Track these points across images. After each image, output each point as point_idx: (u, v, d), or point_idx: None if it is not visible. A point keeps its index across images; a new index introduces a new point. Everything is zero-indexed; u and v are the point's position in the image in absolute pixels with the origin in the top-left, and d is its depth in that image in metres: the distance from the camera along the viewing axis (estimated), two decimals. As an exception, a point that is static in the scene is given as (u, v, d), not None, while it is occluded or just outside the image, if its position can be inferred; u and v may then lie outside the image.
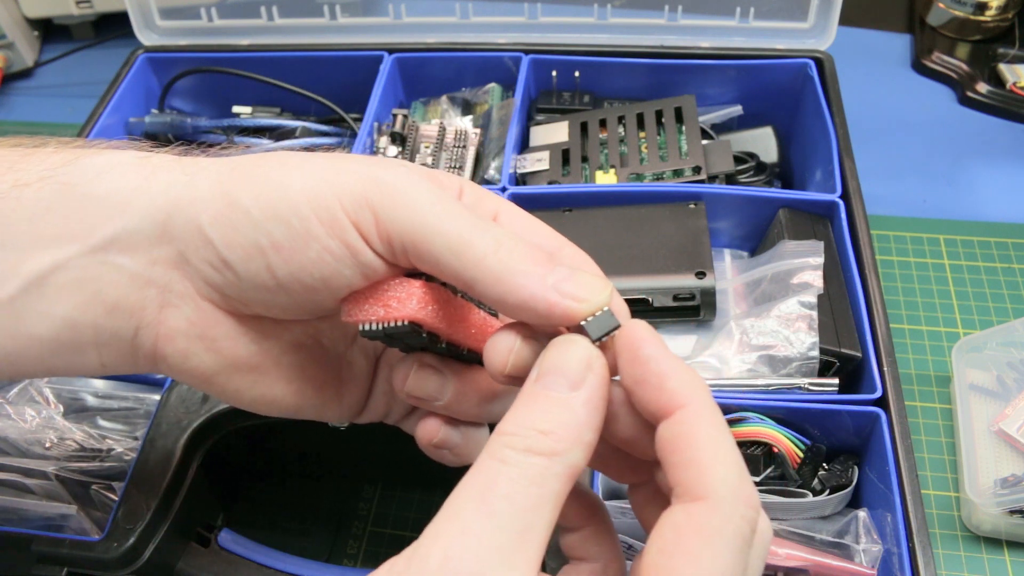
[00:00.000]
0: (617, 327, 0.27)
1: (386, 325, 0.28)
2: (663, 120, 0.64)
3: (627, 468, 0.30)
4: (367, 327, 0.29)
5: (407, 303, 0.28)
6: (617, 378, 0.27)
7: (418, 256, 0.28)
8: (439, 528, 0.24)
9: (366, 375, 0.35)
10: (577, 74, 0.69)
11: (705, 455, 0.25)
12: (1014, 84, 0.77)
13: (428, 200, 0.28)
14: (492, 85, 0.70)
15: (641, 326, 0.27)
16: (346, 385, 0.34)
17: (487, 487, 0.24)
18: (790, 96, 0.68)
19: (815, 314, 0.51)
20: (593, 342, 0.27)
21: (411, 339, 0.29)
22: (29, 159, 0.29)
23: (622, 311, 0.29)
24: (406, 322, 0.28)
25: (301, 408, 0.33)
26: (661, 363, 0.26)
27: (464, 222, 0.27)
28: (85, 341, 0.30)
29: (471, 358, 0.32)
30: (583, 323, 0.27)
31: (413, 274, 0.29)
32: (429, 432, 0.33)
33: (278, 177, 0.28)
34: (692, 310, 0.54)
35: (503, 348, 0.28)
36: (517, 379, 0.28)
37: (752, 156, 0.65)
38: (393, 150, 0.65)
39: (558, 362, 0.26)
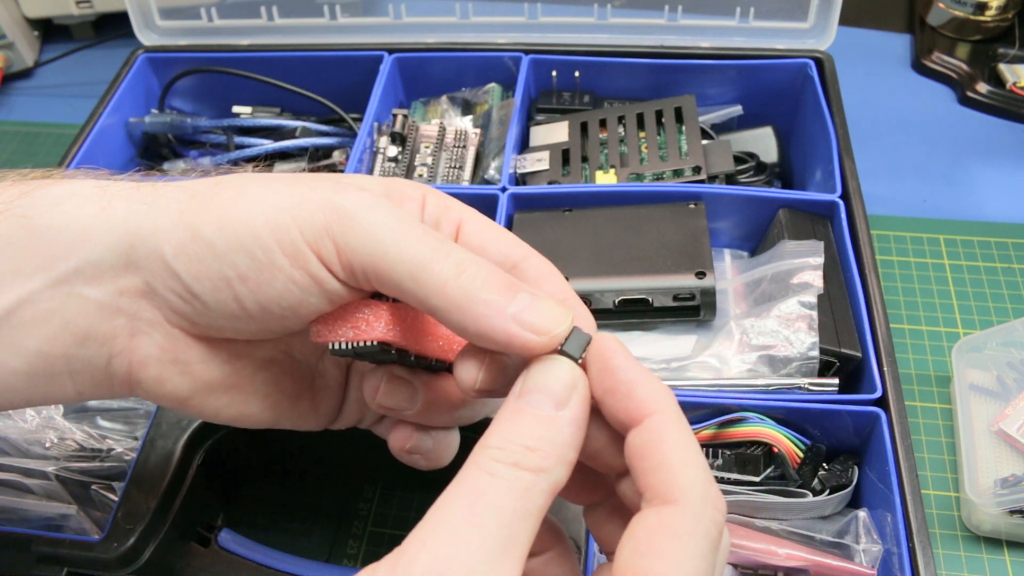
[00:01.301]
0: (589, 340, 0.27)
1: (355, 345, 0.29)
2: (663, 120, 0.64)
3: (585, 488, 0.30)
4: (337, 346, 0.29)
5: (375, 325, 0.29)
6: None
7: (380, 283, 0.28)
8: (425, 535, 0.24)
9: (339, 384, 0.35)
10: (577, 74, 0.69)
11: (675, 460, 0.25)
12: (1014, 84, 0.77)
13: (388, 226, 0.27)
14: (492, 85, 0.70)
15: (610, 338, 0.27)
16: (320, 395, 0.35)
17: (475, 498, 0.24)
18: (790, 96, 0.68)
19: (815, 314, 0.51)
20: (575, 361, 0.27)
21: (381, 356, 0.30)
22: None
23: (589, 324, 0.29)
24: (375, 342, 0.29)
25: (278, 420, 0.34)
26: (629, 372, 0.26)
27: (424, 247, 0.27)
28: (58, 371, 0.30)
29: (440, 367, 0.32)
30: (561, 346, 0.27)
31: (379, 294, 0.29)
32: (401, 440, 0.33)
33: (239, 207, 0.28)
34: (692, 310, 0.54)
35: (472, 366, 0.28)
36: (488, 393, 0.28)
37: (752, 156, 0.65)
38: (393, 150, 0.65)
39: (543, 381, 0.26)
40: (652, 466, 0.25)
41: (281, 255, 0.28)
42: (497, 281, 0.27)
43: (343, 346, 0.29)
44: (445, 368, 0.32)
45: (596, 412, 0.28)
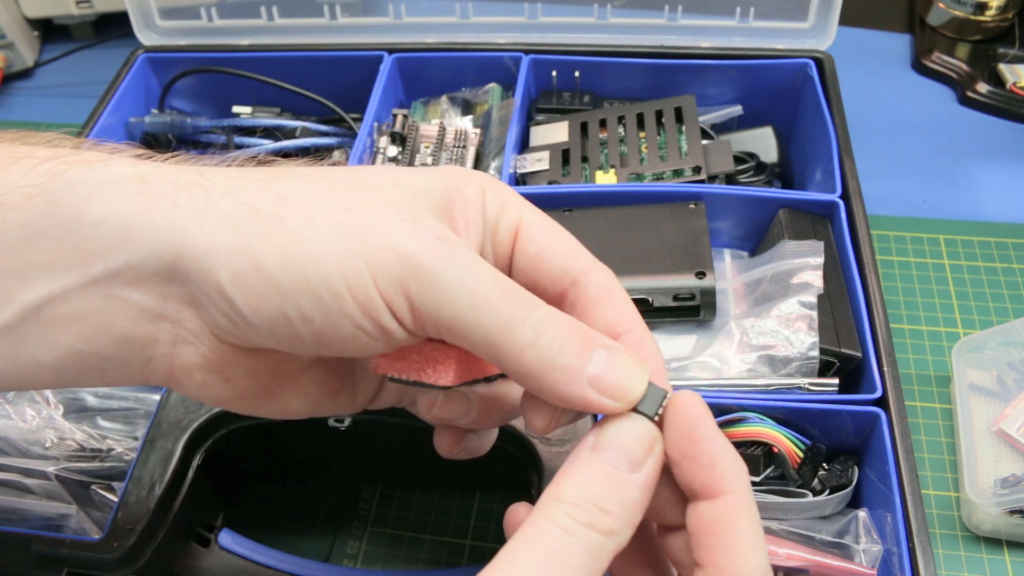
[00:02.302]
0: (665, 396, 0.27)
1: (420, 382, 0.29)
2: (663, 120, 0.64)
3: None
4: (399, 378, 0.29)
5: (443, 374, 0.29)
6: None
7: (453, 341, 0.27)
8: None
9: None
10: (577, 74, 0.69)
11: (745, 546, 0.26)
12: (1014, 84, 0.77)
13: (465, 288, 0.26)
14: (492, 85, 0.70)
15: (693, 399, 0.27)
16: (359, 385, 0.34)
17: (552, 555, 0.25)
18: (790, 96, 0.68)
19: (815, 314, 0.51)
20: (651, 419, 0.27)
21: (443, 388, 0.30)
22: (12, 169, 0.27)
23: (659, 367, 0.29)
24: (440, 384, 0.29)
25: (317, 412, 0.34)
26: (714, 445, 0.27)
27: (502, 312, 0.26)
28: (90, 367, 0.29)
29: (495, 378, 0.32)
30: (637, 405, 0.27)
31: None
32: (450, 444, 0.34)
33: (307, 239, 0.26)
34: (692, 310, 0.54)
35: (542, 417, 0.29)
36: (558, 427, 0.29)
37: (752, 156, 0.65)
38: (393, 150, 0.65)
39: (620, 440, 0.27)
40: (721, 545, 0.26)
41: (352, 302, 0.26)
42: (574, 341, 0.27)
43: (406, 379, 0.29)
44: (500, 376, 0.32)
45: (665, 469, 0.28)
